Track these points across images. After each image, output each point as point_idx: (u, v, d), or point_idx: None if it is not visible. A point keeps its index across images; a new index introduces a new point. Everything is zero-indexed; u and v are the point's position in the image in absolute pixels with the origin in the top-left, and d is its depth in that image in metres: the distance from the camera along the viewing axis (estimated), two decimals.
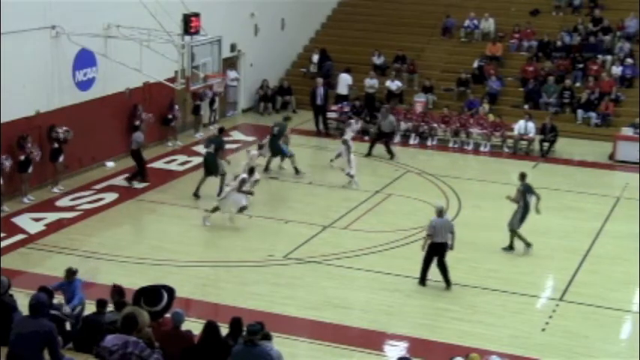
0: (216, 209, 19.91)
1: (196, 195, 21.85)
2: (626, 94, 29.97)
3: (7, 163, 20.18)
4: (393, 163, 25.73)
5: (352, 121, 26.12)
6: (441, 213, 16.90)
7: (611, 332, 15.66)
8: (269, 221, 20.72)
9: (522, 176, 19.14)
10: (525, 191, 18.79)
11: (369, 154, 26.07)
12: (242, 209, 19.84)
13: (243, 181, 19.79)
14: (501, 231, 19.28)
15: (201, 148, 26.54)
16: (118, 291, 12.40)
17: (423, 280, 16.94)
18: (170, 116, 26.28)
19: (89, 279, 16.90)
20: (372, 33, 33.80)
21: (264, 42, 31.43)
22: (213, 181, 21.73)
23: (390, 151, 26.11)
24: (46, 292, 12.06)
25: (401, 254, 18.70)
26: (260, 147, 23.92)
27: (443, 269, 16.81)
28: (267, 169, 23.98)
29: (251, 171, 20.32)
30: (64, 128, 21.64)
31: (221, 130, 23.08)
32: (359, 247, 18.92)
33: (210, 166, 21.80)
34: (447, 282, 16.84)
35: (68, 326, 12.70)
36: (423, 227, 20.00)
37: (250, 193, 20.05)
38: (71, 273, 13.70)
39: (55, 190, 21.71)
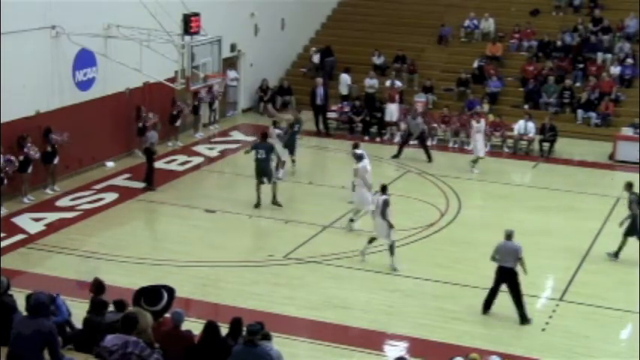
0: (372, 240, 17.97)
1: (258, 205, 21.11)
2: (626, 94, 29.97)
3: (11, 167, 20.13)
4: (395, 163, 25.74)
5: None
6: (509, 237, 15.62)
7: (611, 332, 15.65)
8: (269, 221, 20.72)
9: (629, 186, 18.68)
10: (638, 200, 18.30)
11: (397, 157, 25.98)
12: (391, 248, 17.71)
13: (386, 203, 17.63)
14: (501, 231, 19.22)
15: (202, 149, 26.65)
16: (97, 286, 12.38)
17: (487, 306, 15.78)
18: (175, 112, 26.20)
19: (89, 279, 16.92)
20: (372, 33, 33.81)
21: (264, 42, 31.43)
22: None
23: (427, 154, 25.86)
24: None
25: (401, 254, 18.67)
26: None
27: (517, 301, 15.56)
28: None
29: (384, 189, 17.99)
30: (60, 137, 21.51)
31: (265, 136, 21.96)
32: (359, 247, 18.90)
33: (264, 172, 21.11)
34: (522, 317, 15.53)
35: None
36: (423, 227, 20.07)
37: (391, 226, 17.77)
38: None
39: (49, 191, 21.68)
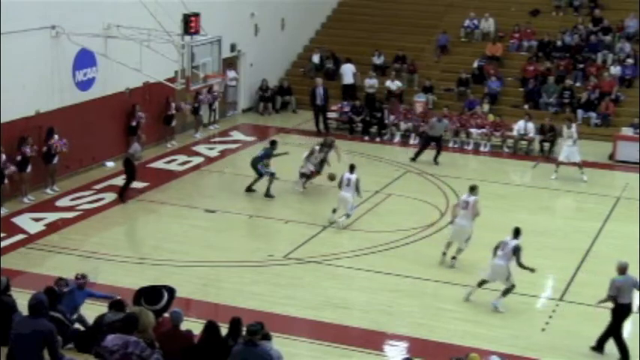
0: (483, 282, 16.29)
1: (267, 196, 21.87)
2: (626, 94, 29.98)
3: (12, 168, 20.14)
4: (394, 163, 25.74)
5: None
6: (625, 270, 14.30)
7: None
8: (269, 221, 20.72)
9: None
10: None
11: (414, 160, 25.63)
12: (508, 291, 16.12)
13: (518, 249, 15.87)
14: (501, 231, 19.22)
15: (201, 149, 26.64)
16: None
17: (601, 347, 14.49)
18: (170, 113, 26.21)
19: (90, 279, 16.95)
20: (372, 33, 33.81)
21: (264, 42, 31.43)
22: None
23: (436, 158, 25.63)
24: (52, 293, 12.07)
25: (401, 254, 18.70)
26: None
27: (618, 337, 14.39)
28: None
29: (517, 233, 16.15)
30: (60, 142, 21.44)
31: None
32: (359, 247, 18.92)
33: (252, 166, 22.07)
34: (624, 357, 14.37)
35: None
36: (423, 227, 20.07)
37: (532, 270, 15.95)
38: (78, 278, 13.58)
39: (49, 190, 21.68)
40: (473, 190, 17.98)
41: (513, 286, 15.99)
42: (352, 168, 20.34)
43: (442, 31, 33.29)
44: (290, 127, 29.47)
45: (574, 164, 24.40)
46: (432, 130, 26.06)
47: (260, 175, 22.06)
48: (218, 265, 17.83)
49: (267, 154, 22.21)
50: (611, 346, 14.74)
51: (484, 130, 27.80)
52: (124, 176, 21.99)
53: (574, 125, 24.99)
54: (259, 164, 22.01)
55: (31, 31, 21.15)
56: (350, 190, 19.94)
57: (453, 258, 17.81)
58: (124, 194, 21.46)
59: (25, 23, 20.89)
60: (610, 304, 14.39)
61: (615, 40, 31.89)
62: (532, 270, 15.89)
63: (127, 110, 24.68)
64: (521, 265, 15.84)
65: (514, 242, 15.94)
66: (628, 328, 14.80)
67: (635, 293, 14.44)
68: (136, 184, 22.46)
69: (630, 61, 30.60)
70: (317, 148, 22.86)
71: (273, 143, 22.56)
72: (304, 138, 27.78)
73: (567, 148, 24.53)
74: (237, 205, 21.44)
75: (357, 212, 21.07)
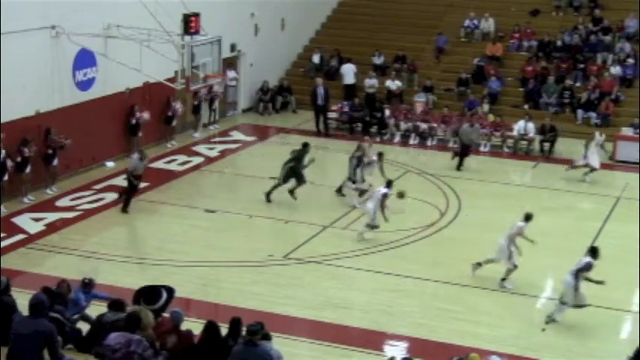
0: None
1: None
2: (626, 94, 29.98)
3: (10, 164, 20.17)
4: (394, 163, 25.72)
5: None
6: None
7: (611, 332, 15.65)
8: (269, 221, 20.72)
9: None
10: None
11: (459, 169, 25.12)
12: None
13: (589, 267, 15.61)
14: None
15: (201, 149, 26.65)
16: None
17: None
18: (170, 113, 26.23)
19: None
20: (372, 33, 33.80)
21: (264, 42, 31.43)
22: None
23: (461, 162, 25.27)
24: (49, 293, 12.06)
25: (401, 254, 18.70)
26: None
27: None
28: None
29: (594, 252, 15.88)
30: (60, 139, 21.47)
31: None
32: (359, 247, 18.92)
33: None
34: None
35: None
36: (423, 227, 20.05)
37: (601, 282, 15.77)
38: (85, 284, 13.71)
39: (49, 191, 21.68)
40: (527, 218, 17.28)
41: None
42: (389, 183, 19.79)
43: (439, 32, 33.25)
44: (290, 127, 29.48)
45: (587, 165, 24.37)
46: (464, 137, 25.53)
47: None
48: (218, 265, 17.82)
49: (299, 158, 21.78)
50: (621, 347, 14.79)
51: (484, 130, 27.79)
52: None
53: (604, 135, 25.37)
54: (286, 167, 21.62)
55: (31, 31, 21.15)
56: (373, 201, 19.41)
57: (503, 279, 17.15)
58: (121, 195, 21.21)
59: (25, 23, 20.89)
60: None
61: (615, 40, 31.89)
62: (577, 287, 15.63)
63: (127, 110, 24.70)
64: (576, 275, 15.60)
65: (587, 259, 15.63)
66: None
67: None
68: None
69: (630, 61, 30.61)
70: (375, 158, 22.15)
71: (306, 146, 22.12)
72: (304, 138, 27.69)
73: (597, 156, 24.35)
74: (237, 205, 21.44)
75: (357, 212, 21.07)
